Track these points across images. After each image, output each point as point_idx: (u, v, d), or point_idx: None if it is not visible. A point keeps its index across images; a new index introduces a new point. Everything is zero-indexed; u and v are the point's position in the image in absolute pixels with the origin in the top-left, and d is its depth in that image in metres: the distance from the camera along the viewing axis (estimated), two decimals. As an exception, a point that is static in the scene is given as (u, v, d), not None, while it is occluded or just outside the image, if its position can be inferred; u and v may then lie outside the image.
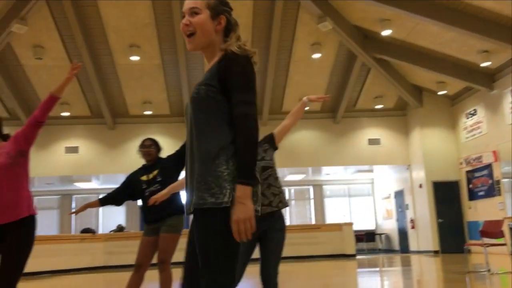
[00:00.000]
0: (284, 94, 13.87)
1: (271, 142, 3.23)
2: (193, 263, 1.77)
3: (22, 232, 2.91)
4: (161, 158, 4.45)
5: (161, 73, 12.63)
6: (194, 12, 1.84)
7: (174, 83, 13.02)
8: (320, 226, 14.05)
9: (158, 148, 4.45)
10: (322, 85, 13.56)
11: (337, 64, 13.01)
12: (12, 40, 10.95)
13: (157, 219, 4.14)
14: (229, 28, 1.90)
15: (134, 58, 11.74)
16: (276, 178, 3.17)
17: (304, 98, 3.36)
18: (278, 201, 3.10)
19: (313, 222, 17.84)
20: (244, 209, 1.64)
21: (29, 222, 2.96)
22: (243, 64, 1.77)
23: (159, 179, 4.19)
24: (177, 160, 4.27)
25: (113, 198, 4.40)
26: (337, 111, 14.45)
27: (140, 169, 4.43)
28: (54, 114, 13.68)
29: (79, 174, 14.57)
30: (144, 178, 4.26)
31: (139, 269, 4.12)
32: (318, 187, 18.46)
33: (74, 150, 13.96)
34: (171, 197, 4.08)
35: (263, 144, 3.21)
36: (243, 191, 1.65)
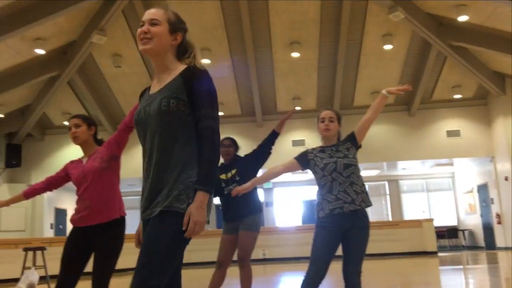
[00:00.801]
0: (355, 88, 13.61)
1: (353, 141, 3.21)
2: None
3: (113, 233, 3.08)
4: (238, 157, 4.53)
5: (232, 74, 12.85)
6: (154, 23, 1.97)
7: (244, 83, 13.20)
8: (398, 223, 13.61)
9: (236, 147, 4.55)
10: (395, 77, 13.14)
11: (411, 55, 12.54)
12: (93, 50, 11.65)
13: (236, 217, 4.23)
14: (185, 47, 2.04)
15: (205, 61, 12.05)
16: (359, 177, 3.13)
17: (383, 91, 3.25)
18: (361, 199, 3.06)
19: (390, 218, 17.33)
20: (202, 213, 1.78)
21: (120, 223, 3.13)
22: (210, 82, 1.92)
23: (237, 178, 4.26)
24: (255, 159, 4.38)
25: None
26: (412, 103, 13.93)
27: (218, 167, 4.51)
28: (133, 118, 14.39)
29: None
30: (223, 176, 4.33)
31: (221, 266, 4.23)
32: (394, 182, 17.91)
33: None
34: (249, 196, 4.18)
35: (345, 142, 3.20)
36: (203, 197, 1.79)
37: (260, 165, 4.47)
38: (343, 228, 3.00)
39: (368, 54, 12.40)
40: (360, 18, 11.30)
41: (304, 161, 3.24)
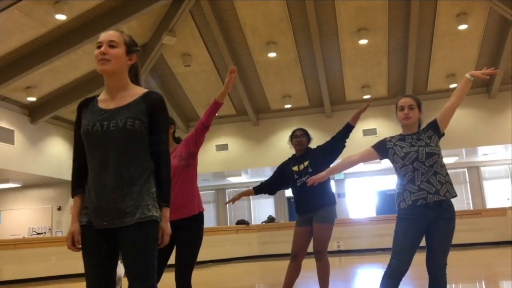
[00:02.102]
0: (429, 72, 13.03)
1: (436, 129, 3.08)
2: (104, 273, 2.09)
3: (194, 227, 3.17)
4: (310, 149, 4.49)
5: (298, 66, 12.79)
6: (112, 45, 2.11)
7: (311, 74, 13.09)
8: (481, 212, 12.90)
9: (308, 138, 4.51)
10: (472, 58, 12.42)
11: (488, 34, 11.79)
12: (163, 51, 12.07)
13: (310, 209, 4.20)
14: (135, 68, 2.22)
15: (272, 54, 12.08)
16: (442, 166, 2.99)
17: (467, 75, 3.10)
18: (445, 190, 2.92)
19: (471, 207, 16.47)
20: (168, 227, 2.09)
21: (199, 218, 3.22)
22: (166, 108, 2.15)
23: (310, 170, 4.21)
24: (329, 151, 4.33)
25: (267, 187, 4.51)
26: (491, 84, 13.12)
27: (290, 159, 4.49)
28: (203, 115, 14.77)
29: (230, 170, 15.50)
30: (295, 168, 4.32)
31: (295, 258, 4.23)
32: (475, 169, 16.98)
33: (224, 147, 14.91)
34: (323, 188, 4.14)
35: (427, 130, 3.08)
36: (167, 213, 2.09)
37: (334, 158, 4.40)
38: (427, 219, 2.89)
39: (442, 36, 11.81)
40: (431, -1, 10.79)
41: (382, 150, 3.12)
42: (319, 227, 4.18)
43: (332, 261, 9.99)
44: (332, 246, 11.17)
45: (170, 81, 13.43)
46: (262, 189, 4.53)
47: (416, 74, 12.86)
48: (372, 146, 3.18)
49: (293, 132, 4.53)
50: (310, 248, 4.25)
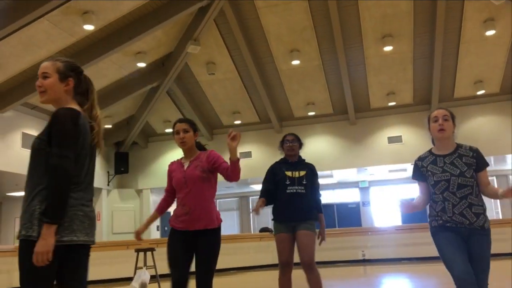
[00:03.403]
0: (455, 79, 12.83)
1: (479, 165, 2.85)
2: None
3: (212, 239, 3.21)
4: (304, 160, 4.34)
5: (322, 73, 12.76)
6: (45, 76, 2.24)
7: (335, 82, 13.04)
8: (510, 221, 12.57)
9: (300, 143, 4.37)
10: (500, 64, 12.19)
11: (517, 39, 11.56)
12: (188, 60, 12.23)
13: (294, 219, 4.06)
14: (83, 86, 2.34)
15: (295, 62, 12.10)
16: (478, 196, 2.81)
17: (500, 193, 2.73)
18: (483, 221, 2.77)
19: (500, 216, 16.05)
20: (43, 244, 1.98)
21: (218, 230, 3.27)
22: (62, 121, 2.11)
23: (304, 182, 4.11)
24: (311, 189, 4.18)
25: (272, 195, 4.23)
26: (520, 91, 12.82)
27: (282, 163, 4.31)
28: (228, 123, 14.88)
29: (253, 177, 15.51)
30: (289, 173, 4.15)
31: (287, 266, 4.11)
32: (503, 177, 16.57)
33: (247, 155, 14.93)
34: (313, 201, 4.10)
35: (468, 154, 2.87)
36: (46, 229, 2.00)
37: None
38: (461, 235, 2.74)
39: (468, 42, 11.63)
40: (457, 5, 10.65)
41: (422, 177, 2.93)
42: (307, 234, 3.99)
43: (357, 270, 9.88)
44: (357, 255, 11.03)
45: (194, 89, 13.57)
46: (271, 198, 4.23)
47: (442, 81, 12.68)
48: (414, 178, 3.00)
49: (284, 137, 4.40)
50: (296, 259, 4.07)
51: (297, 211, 4.03)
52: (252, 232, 17.23)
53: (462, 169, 2.77)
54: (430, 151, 2.95)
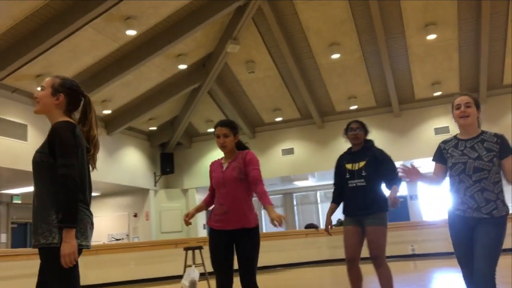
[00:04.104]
0: (504, 65, 12.30)
1: (503, 152, 2.82)
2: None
3: (252, 237, 3.26)
4: (372, 145, 4.16)
5: (363, 66, 12.56)
6: (41, 88, 2.45)
7: (377, 74, 12.80)
8: None
9: (365, 130, 4.17)
10: (553, 47, 11.59)
11: None
12: (228, 59, 12.33)
13: (361, 213, 3.99)
14: (75, 103, 2.50)
15: (335, 56, 11.96)
16: (495, 183, 2.79)
17: None
18: (492, 207, 2.76)
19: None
20: (69, 246, 2.19)
21: (256, 229, 3.32)
22: (63, 133, 2.26)
23: (363, 174, 3.96)
24: (383, 176, 4.01)
25: (342, 193, 4.16)
26: None
27: (346, 153, 4.20)
28: (269, 120, 14.90)
29: (296, 174, 15.48)
30: (349, 166, 4.05)
31: (353, 262, 4.05)
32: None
33: (289, 151, 14.93)
34: (378, 193, 3.99)
35: (491, 140, 2.86)
36: (67, 233, 2.20)
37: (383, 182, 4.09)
38: (468, 225, 2.83)
39: (517, 25, 11.12)
40: (504, -13, 10.21)
41: (443, 160, 3.03)
42: (374, 229, 3.90)
43: (407, 265, 9.67)
44: (406, 249, 10.80)
45: (235, 88, 13.67)
46: (338, 196, 4.20)
47: (490, 67, 12.20)
48: (433, 160, 3.08)
49: (348, 124, 4.20)
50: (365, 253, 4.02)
51: (361, 205, 3.94)
52: (297, 229, 17.19)
53: (480, 153, 2.80)
54: (455, 136, 3.04)
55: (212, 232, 3.37)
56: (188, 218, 3.44)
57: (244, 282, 3.19)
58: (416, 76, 12.91)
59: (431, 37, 11.33)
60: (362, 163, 3.99)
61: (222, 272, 3.27)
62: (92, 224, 2.47)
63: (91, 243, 2.48)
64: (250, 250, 3.23)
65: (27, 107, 10.56)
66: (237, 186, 3.28)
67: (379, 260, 3.93)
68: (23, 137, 10.37)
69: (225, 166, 3.39)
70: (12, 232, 14.31)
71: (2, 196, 13.81)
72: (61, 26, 8.62)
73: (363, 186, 3.95)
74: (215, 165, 3.49)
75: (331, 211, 4.23)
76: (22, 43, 8.84)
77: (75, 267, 2.28)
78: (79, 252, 2.35)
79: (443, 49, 11.95)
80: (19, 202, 14.03)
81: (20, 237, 14.66)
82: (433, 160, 3.06)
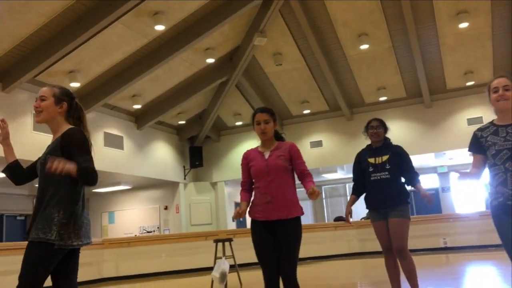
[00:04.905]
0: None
1: None
2: None
3: (295, 228, 3.19)
4: (390, 142, 4.29)
5: (393, 56, 12.34)
6: (43, 99, 2.67)
7: (407, 64, 12.57)
8: None
9: (385, 128, 4.30)
10: None
11: None
12: (255, 52, 12.32)
13: (385, 206, 4.07)
14: (74, 111, 2.74)
15: (364, 46, 11.79)
16: None
17: None
18: None
19: None
20: (72, 168, 2.45)
21: (299, 219, 3.24)
22: (78, 136, 2.56)
23: (388, 167, 4.05)
24: (403, 170, 4.13)
25: (363, 186, 4.31)
26: None
27: (366, 149, 4.32)
28: (297, 113, 14.85)
29: (325, 166, 15.39)
30: (372, 160, 4.15)
31: (389, 251, 4.12)
32: None
33: (318, 144, 14.85)
34: (400, 185, 4.06)
35: None
36: (73, 166, 2.46)
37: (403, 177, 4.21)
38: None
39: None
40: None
41: (480, 149, 2.79)
42: (397, 221, 3.99)
43: (439, 258, 9.53)
44: (438, 242, 10.62)
45: (262, 80, 13.66)
46: (357, 189, 4.32)
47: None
48: (470, 150, 2.88)
49: (369, 122, 4.33)
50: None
51: (385, 198, 4.03)
52: (326, 222, 17.12)
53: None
54: (491, 122, 2.82)
55: (255, 223, 3.28)
56: (241, 212, 3.23)
57: (285, 275, 3.10)
58: (447, 65, 12.61)
59: (463, 25, 11.04)
60: (385, 157, 4.11)
61: (269, 266, 3.15)
62: (88, 221, 2.65)
63: (91, 240, 2.67)
64: (292, 241, 3.14)
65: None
66: (282, 175, 3.21)
67: (403, 253, 3.99)
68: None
69: (267, 154, 3.30)
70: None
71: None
72: (91, 22, 8.78)
73: (387, 179, 4.06)
74: (253, 154, 3.37)
75: (352, 202, 4.35)
76: (55, 40, 9.05)
77: (53, 265, 2.48)
78: (75, 250, 2.60)
79: (475, 38, 11.63)
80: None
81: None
82: (469, 150, 2.87)
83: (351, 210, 4.27)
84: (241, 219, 17.51)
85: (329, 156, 14.68)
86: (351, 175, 14.19)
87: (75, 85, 10.66)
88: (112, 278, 9.74)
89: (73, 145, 2.55)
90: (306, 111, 14.69)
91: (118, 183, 14.49)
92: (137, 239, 11.08)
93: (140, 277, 9.86)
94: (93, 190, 15.49)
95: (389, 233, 4.06)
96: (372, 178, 4.10)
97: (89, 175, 2.51)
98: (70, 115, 2.75)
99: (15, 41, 8.83)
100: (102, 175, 12.79)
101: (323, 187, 18.65)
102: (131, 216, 15.80)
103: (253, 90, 13.66)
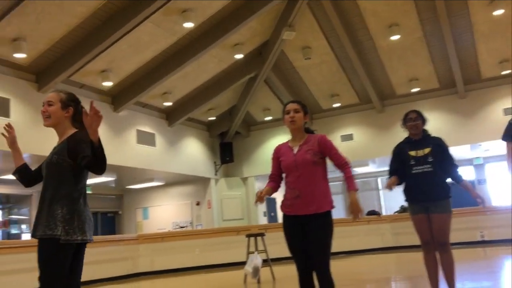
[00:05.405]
0: None
1: None
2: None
3: (325, 222, 3.15)
4: (429, 134, 4.20)
5: (424, 46, 12.07)
6: (50, 104, 2.77)
7: (439, 54, 12.27)
8: None
9: (423, 120, 4.19)
10: None
11: None
12: (284, 46, 12.27)
13: (426, 199, 3.99)
14: (80, 115, 2.74)
15: (395, 37, 11.57)
16: None
17: None
18: None
19: None
20: (95, 123, 2.52)
21: (329, 213, 3.19)
22: (86, 137, 2.56)
23: (430, 160, 3.98)
24: (446, 165, 4.04)
25: (400, 176, 4.18)
26: None
27: (405, 142, 4.21)
28: (326, 106, 14.74)
29: (356, 160, 15.19)
30: (413, 153, 4.06)
31: (428, 245, 4.05)
32: None
33: (349, 137, 14.70)
34: (442, 179, 3.98)
35: None
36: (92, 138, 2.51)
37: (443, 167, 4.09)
38: None
39: None
40: None
41: None
42: (440, 217, 3.93)
43: (476, 252, 9.33)
44: (475, 236, 10.38)
45: (291, 75, 13.60)
46: (400, 175, 4.17)
47: None
48: (503, 139, 2.80)
49: (406, 115, 4.23)
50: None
51: (428, 191, 3.96)
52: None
53: None
54: None
55: (285, 218, 3.26)
56: (261, 195, 3.20)
57: (317, 269, 3.08)
58: (482, 54, 12.25)
59: (498, 12, 10.69)
60: (427, 150, 4.03)
61: (300, 261, 3.14)
62: (90, 218, 2.72)
63: (92, 237, 2.72)
64: (322, 235, 3.11)
65: (94, 102, 11.08)
66: (310, 169, 3.18)
67: (446, 246, 3.95)
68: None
69: (295, 149, 3.27)
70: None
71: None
72: (122, 22, 8.92)
73: (430, 172, 3.97)
74: (283, 149, 3.36)
75: (394, 182, 4.14)
76: (87, 40, 9.25)
77: (65, 260, 2.56)
78: (82, 246, 2.68)
79: (511, 25, 11.24)
80: (89, 192, 14.82)
81: (91, 225, 15.53)
82: (503, 139, 2.82)
83: (393, 184, 4.09)
84: (271, 213, 17.48)
85: (360, 149, 14.51)
86: (382, 169, 14.06)
87: (107, 84, 10.89)
88: (147, 273, 9.93)
89: (82, 143, 2.61)
90: (336, 105, 14.55)
91: (151, 180, 14.73)
92: (171, 234, 11.26)
93: (174, 271, 10.02)
94: (127, 187, 15.81)
95: (429, 227, 4.00)
96: (413, 171, 4.02)
97: (104, 156, 2.53)
98: (76, 120, 2.83)
99: (50, 42, 9.07)
100: (135, 171, 13.03)
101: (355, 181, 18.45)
102: (164, 212, 16.05)
103: (282, 84, 13.62)
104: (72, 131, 2.79)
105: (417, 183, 4.00)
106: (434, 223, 3.95)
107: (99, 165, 2.54)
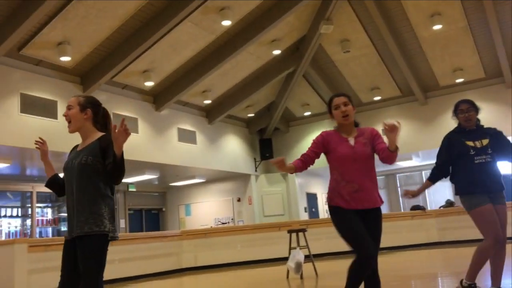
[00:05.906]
0: None
1: None
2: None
3: (380, 217, 3.16)
4: (484, 127, 4.05)
5: (469, 35, 11.66)
6: (69, 108, 2.86)
7: (485, 43, 11.83)
8: None
9: (477, 110, 4.02)
10: None
11: None
12: (322, 41, 12.15)
13: (491, 189, 3.85)
14: (101, 117, 2.93)
15: (437, 27, 11.24)
16: None
17: None
18: None
19: None
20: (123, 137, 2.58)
21: (380, 208, 3.18)
22: (111, 140, 2.62)
23: (489, 151, 3.86)
24: (503, 154, 3.92)
25: (442, 171, 4.10)
26: None
27: (459, 133, 4.02)
28: (367, 100, 14.49)
29: (398, 154, 14.81)
30: (470, 143, 3.90)
31: (498, 239, 3.77)
32: None
33: (390, 131, 14.38)
34: (499, 171, 3.88)
35: None
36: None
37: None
38: None
39: None
40: None
41: None
42: (504, 208, 3.82)
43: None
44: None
45: (330, 69, 13.46)
46: (438, 175, 4.12)
47: None
48: None
49: (457, 106, 4.05)
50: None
51: (492, 181, 3.84)
52: (402, 211, 16.62)
53: None
54: None
55: (341, 210, 3.10)
56: (280, 160, 3.05)
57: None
58: (531, 41, 11.72)
59: (548, -4, 10.19)
60: (485, 141, 3.90)
61: (368, 245, 2.96)
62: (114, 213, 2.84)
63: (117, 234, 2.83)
64: (379, 230, 3.11)
65: (136, 101, 11.40)
66: (368, 163, 3.14)
67: (505, 242, 3.78)
68: (135, 130, 11.15)
69: (351, 141, 3.17)
70: (129, 217, 15.57)
71: (119, 185, 15.05)
72: (161, 22, 9.09)
73: (491, 162, 3.88)
74: (335, 138, 3.20)
75: (426, 187, 4.17)
76: (128, 42, 9.48)
77: (105, 256, 2.67)
78: (107, 242, 2.71)
79: None
80: (134, 190, 15.20)
81: (135, 222, 15.92)
82: None
83: (417, 193, 4.09)
84: (313, 209, 17.31)
85: (403, 143, 14.00)
86: (426, 162, 13.72)
87: (149, 84, 11.12)
88: (191, 268, 10.11)
89: (108, 149, 2.69)
90: (377, 98, 14.29)
91: (192, 177, 14.96)
92: (214, 230, 11.40)
93: (217, 267, 10.15)
94: (170, 184, 16.11)
95: (498, 219, 3.80)
96: (476, 161, 3.85)
97: (123, 168, 2.63)
98: (98, 120, 2.91)
99: (93, 45, 9.35)
100: (177, 169, 13.27)
101: (397, 175, 18.12)
102: (206, 208, 16.27)
103: (321, 79, 13.51)
104: (97, 133, 2.86)
105: (481, 173, 3.83)
106: (500, 215, 3.78)
107: (116, 176, 2.66)
